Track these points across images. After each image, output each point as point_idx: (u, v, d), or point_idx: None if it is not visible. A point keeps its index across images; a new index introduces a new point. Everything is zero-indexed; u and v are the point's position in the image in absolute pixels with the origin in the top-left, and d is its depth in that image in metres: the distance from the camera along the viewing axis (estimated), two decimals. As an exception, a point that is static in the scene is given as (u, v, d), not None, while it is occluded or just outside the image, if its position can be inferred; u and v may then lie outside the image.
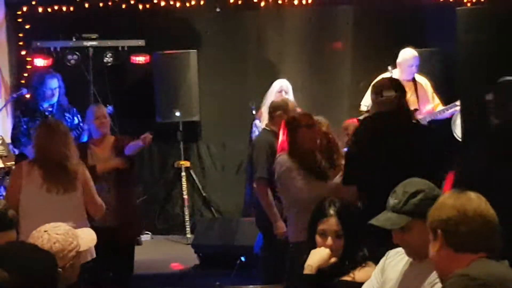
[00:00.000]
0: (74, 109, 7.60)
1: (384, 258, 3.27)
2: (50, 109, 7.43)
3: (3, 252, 2.61)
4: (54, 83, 7.44)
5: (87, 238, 3.23)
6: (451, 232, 2.53)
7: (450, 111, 7.63)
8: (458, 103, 7.28)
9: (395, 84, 4.89)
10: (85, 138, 7.44)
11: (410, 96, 7.58)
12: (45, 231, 3.09)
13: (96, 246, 3.47)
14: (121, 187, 6.11)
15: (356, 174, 4.82)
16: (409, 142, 4.74)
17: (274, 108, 6.35)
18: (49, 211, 4.05)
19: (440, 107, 7.79)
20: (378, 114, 4.92)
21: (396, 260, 3.18)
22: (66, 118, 7.46)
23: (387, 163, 4.63)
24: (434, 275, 2.85)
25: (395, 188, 3.09)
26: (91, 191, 5.31)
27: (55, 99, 7.44)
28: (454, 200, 2.57)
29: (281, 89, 7.62)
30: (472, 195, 2.60)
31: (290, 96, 7.63)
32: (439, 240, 2.56)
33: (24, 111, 7.55)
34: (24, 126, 7.42)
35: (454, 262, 2.53)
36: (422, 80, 7.87)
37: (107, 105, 7.81)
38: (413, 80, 7.79)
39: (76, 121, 7.49)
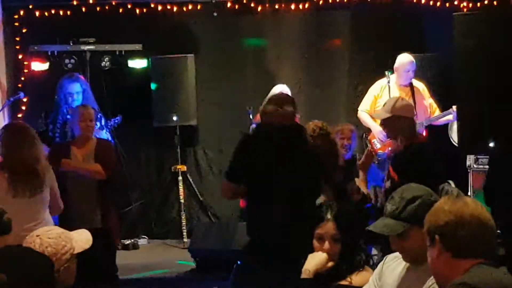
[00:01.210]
0: (99, 114, 7.56)
1: (382, 263, 3.27)
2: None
3: (0, 256, 2.60)
4: (74, 88, 7.44)
5: (82, 240, 3.22)
6: (449, 237, 2.53)
7: (447, 117, 7.64)
8: (454, 108, 7.30)
9: (293, 102, 4.94)
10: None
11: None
12: (37, 236, 3.08)
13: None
14: (100, 193, 6.06)
15: (241, 173, 4.86)
16: (298, 158, 4.80)
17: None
18: (15, 216, 4.00)
19: (437, 112, 7.80)
20: (267, 125, 4.96)
21: (394, 265, 3.18)
22: None
23: (273, 173, 4.71)
24: (431, 280, 2.85)
25: (393, 194, 3.10)
26: (56, 193, 5.37)
27: (76, 103, 7.40)
28: (451, 205, 2.57)
29: (280, 92, 7.63)
30: (468, 199, 2.61)
31: None
32: (437, 246, 2.55)
33: (47, 113, 7.55)
34: (44, 128, 7.42)
35: (453, 267, 2.52)
36: (419, 85, 7.88)
37: (116, 116, 7.85)
38: (410, 85, 7.81)
39: (98, 125, 7.46)
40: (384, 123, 5.78)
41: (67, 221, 5.48)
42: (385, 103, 6.18)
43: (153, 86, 8.84)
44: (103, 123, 7.60)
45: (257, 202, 4.79)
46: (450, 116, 7.52)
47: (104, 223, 6.04)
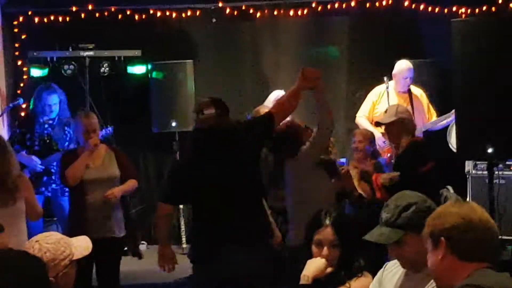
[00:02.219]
0: None
1: (382, 269, 3.29)
2: (50, 121, 7.45)
3: None
4: (53, 99, 7.46)
5: (82, 246, 3.22)
6: (456, 240, 2.52)
7: (445, 121, 7.65)
8: (452, 113, 7.32)
9: (216, 103, 4.94)
10: None
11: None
12: (36, 241, 3.09)
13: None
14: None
15: (180, 192, 5.01)
16: (229, 156, 4.87)
17: None
18: None
19: (435, 118, 7.82)
20: (198, 130, 5.02)
21: (393, 272, 3.19)
22: (66, 132, 7.48)
23: (208, 178, 4.82)
24: (430, 285, 2.86)
25: (387, 201, 3.11)
26: (33, 201, 5.36)
27: (54, 114, 7.47)
28: (458, 209, 2.57)
29: (277, 98, 7.65)
30: (474, 204, 2.62)
31: None
32: (442, 248, 2.54)
33: (22, 122, 7.56)
34: (20, 136, 7.45)
35: (457, 270, 2.52)
36: (417, 91, 7.90)
37: (107, 126, 7.82)
38: (409, 91, 7.83)
39: None
40: (389, 127, 5.91)
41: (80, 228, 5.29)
42: (386, 110, 6.25)
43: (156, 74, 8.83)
44: None
45: (202, 218, 4.96)
46: (448, 119, 7.55)
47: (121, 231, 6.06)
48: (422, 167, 5.84)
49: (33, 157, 7.31)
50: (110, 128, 7.78)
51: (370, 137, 6.81)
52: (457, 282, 2.50)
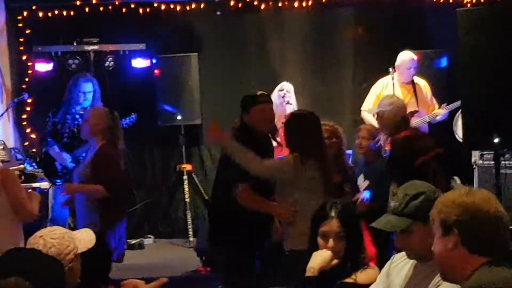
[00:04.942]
0: None
1: (389, 262, 3.26)
2: (81, 112, 7.42)
3: (15, 261, 2.55)
4: (87, 87, 7.52)
5: (85, 239, 3.21)
6: (470, 233, 2.47)
7: (439, 116, 7.65)
8: (444, 106, 7.33)
9: None
10: None
11: (410, 99, 7.59)
12: (40, 237, 3.07)
13: None
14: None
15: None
16: None
17: None
18: None
19: (437, 108, 7.80)
20: None
21: (401, 264, 3.17)
22: None
23: None
24: (438, 277, 2.84)
25: (396, 190, 3.09)
26: (16, 196, 5.06)
27: (87, 102, 7.48)
28: (473, 199, 2.49)
29: (282, 87, 7.68)
30: (489, 194, 2.54)
31: (292, 98, 7.66)
32: (453, 239, 2.49)
33: (55, 112, 7.56)
34: (51, 127, 7.45)
35: (466, 262, 2.48)
36: (421, 82, 7.87)
37: (132, 114, 7.83)
38: (412, 82, 7.80)
39: None
40: (377, 119, 6.09)
41: None
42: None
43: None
44: None
45: None
46: (442, 111, 7.58)
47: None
48: (413, 163, 5.70)
49: (64, 154, 7.29)
50: (133, 116, 7.81)
51: (375, 134, 6.77)
52: (463, 272, 2.47)
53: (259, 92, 5.51)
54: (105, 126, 5.86)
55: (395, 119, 5.98)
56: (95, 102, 7.54)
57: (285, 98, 7.63)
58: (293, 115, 5.46)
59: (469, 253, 2.48)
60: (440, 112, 7.69)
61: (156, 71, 8.83)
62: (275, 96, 7.47)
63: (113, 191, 5.67)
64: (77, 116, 7.43)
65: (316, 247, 3.58)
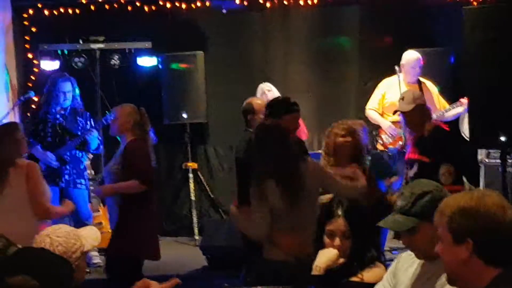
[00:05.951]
0: (88, 113, 7.65)
1: (395, 261, 3.25)
2: (62, 112, 7.46)
3: (23, 259, 2.54)
4: (67, 87, 7.49)
5: (91, 237, 3.21)
6: (485, 245, 2.36)
7: (456, 109, 7.56)
8: (462, 100, 7.26)
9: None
10: (95, 143, 7.45)
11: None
12: (46, 235, 3.07)
13: None
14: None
15: None
16: None
17: (244, 114, 6.48)
18: None
19: (446, 107, 7.77)
20: None
21: (408, 263, 3.15)
22: (79, 122, 7.50)
23: None
24: (444, 276, 2.83)
25: (403, 189, 3.08)
26: (36, 191, 5.25)
27: (68, 102, 7.50)
28: (487, 206, 2.37)
29: (262, 91, 7.73)
30: (501, 199, 2.42)
31: (275, 93, 7.66)
32: (467, 250, 2.37)
33: (36, 113, 7.58)
34: (33, 127, 7.47)
35: (482, 274, 2.37)
36: (426, 81, 7.85)
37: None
38: (418, 81, 7.78)
39: (88, 125, 7.51)
40: (410, 114, 5.94)
41: None
42: (403, 97, 6.16)
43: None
44: (92, 123, 7.58)
45: None
46: (460, 109, 7.48)
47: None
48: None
49: (48, 153, 7.32)
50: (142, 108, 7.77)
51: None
52: (478, 284, 2.37)
53: (292, 101, 5.53)
54: (134, 123, 5.89)
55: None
56: (74, 101, 7.52)
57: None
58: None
59: (485, 265, 2.36)
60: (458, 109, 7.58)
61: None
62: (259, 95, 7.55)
63: (148, 182, 5.65)
64: (58, 116, 7.45)
65: (322, 246, 3.58)
